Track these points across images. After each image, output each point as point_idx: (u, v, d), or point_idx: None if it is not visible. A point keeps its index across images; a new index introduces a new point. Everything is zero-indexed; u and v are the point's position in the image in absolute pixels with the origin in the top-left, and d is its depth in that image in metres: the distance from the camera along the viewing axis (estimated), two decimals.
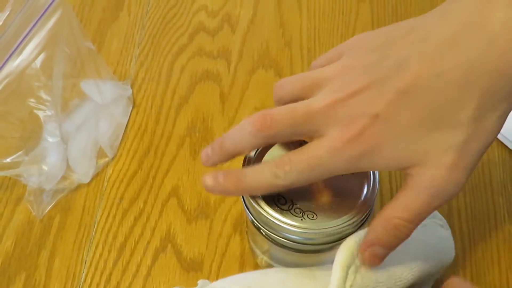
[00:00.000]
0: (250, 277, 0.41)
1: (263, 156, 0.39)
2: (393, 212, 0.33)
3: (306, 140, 0.35)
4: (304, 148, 0.33)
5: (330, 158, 0.32)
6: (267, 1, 0.67)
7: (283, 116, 0.34)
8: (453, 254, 0.46)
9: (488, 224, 0.52)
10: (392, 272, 0.37)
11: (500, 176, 0.54)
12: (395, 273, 0.37)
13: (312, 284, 0.38)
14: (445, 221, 0.47)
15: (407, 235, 0.34)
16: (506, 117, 0.32)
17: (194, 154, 0.56)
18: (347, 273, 0.35)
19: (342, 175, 0.37)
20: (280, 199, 0.37)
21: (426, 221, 0.39)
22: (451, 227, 0.51)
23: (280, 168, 0.33)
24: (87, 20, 0.66)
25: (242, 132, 0.35)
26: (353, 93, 0.32)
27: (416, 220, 0.33)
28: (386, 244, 0.34)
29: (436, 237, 0.45)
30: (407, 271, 0.38)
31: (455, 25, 0.30)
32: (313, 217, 0.37)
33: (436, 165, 0.31)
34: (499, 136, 0.56)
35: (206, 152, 0.38)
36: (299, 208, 0.37)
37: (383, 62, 0.32)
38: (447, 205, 0.52)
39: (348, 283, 0.35)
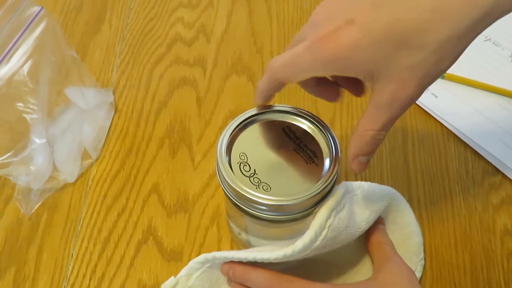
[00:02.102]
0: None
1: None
2: (366, 126, 0.37)
3: None
4: (291, 49, 0.38)
5: (306, 55, 0.36)
6: (239, 13, 0.72)
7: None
8: (399, 195, 0.54)
9: (446, 211, 0.56)
10: (356, 222, 0.46)
11: (456, 166, 0.59)
12: (357, 222, 0.46)
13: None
14: None
15: (382, 139, 0.38)
16: (465, 48, 0.33)
17: (173, 154, 0.60)
18: (330, 215, 0.41)
19: (306, 164, 0.41)
20: (245, 166, 0.41)
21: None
22: None
23: (269, 68, 0.39)
24: (71, 32, 0.69)
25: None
26: (333, 1, 0.36)
27: (385, 128, 0.37)
28: (367, 152, 0.39)
29: (383, 194, 0.51)
30: (364, 222, 0.47)
31: None
32: (267, 188, 0.40)
33: (397, 81, 0.34)
34: (455, 131, 0.60)
35: None
36: (258, 178, 0.41)
37: None
38: (407, 194, 0.56)
39: (328, 222, 0.41)
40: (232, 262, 0.46)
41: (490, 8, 0.31)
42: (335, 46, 0.34)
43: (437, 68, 0.33)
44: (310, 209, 0.41)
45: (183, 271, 0.49)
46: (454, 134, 0.60)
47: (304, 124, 0.43)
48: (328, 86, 0.44)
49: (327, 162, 0.41)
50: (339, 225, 0.42)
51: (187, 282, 0.49)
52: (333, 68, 0.36)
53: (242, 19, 0.71)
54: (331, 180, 0.40)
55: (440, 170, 0.58)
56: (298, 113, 0.44)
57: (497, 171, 0.58)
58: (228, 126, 0.43)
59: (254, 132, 0.43)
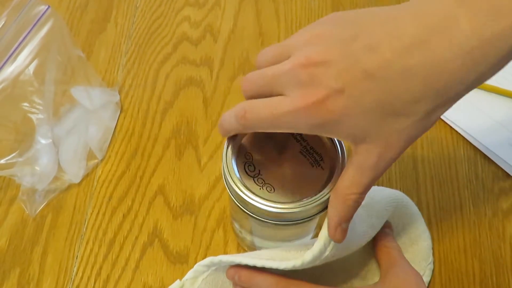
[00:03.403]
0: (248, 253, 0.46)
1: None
2: (348, 190, 0.36)
3: None
4: (270, 100, 0.36)
5: (289, 117, 0.34)
6: (247, 13, 0.71)
7: (256, 77, 0.37)
8: (406, 198, 0.53)
9: (455, 216, 0.55)
10: (363, 229, 0.46)
11: (465, 171, 0.58)
12: (363, 229, 0.46)
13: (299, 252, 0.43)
14: None
15: (360, 203, 0.37)
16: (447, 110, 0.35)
17: (179, 155, 0.59)
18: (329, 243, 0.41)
19: (312, 167, 0.41)
20: (250, 166, 0.41)
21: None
22: None
23: (242, 118, 0.36)
24: (76, 31, 0.69)
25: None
26: (320, 62, 0.33)
27: (366, 190, 0.37)
28: (348, 218, 0.38)
29: (389, 199, 0.50)
30: (371, 229, 0.47)
31: (426, 28, 0.32)
32: (270, 190, 0.40)
33: (383, 144, 0.34)
34: (465, 135, 0.59)
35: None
36: (262, 179, 0.40)
37: (355, 40, 0.34)
38: (417, 198, 0.56)
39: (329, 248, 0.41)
40: (238, 266, 0.45)
41: (474, 82, 0.32)
42: (323, 113, 0.33)
43: (423, 130, 0.34)
44: (316, 215, 0.40)
45: (189, 274, 0.49)
46: (464, 138, 0.60)
47: None
48: None
49: (333, 167, 0.41)
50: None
51: (193, 286, 0.49)
52: (317, 132, 0.35)
53: (249, 19, 0.70)
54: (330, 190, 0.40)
55: (450, 174, 0.58)
56: None
57: (508, 176, 0.57)
58: None
59: (261, 133, 0.42)
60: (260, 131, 0.37)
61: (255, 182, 0.40)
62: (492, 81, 0.61)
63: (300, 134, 0.42)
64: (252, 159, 0.41)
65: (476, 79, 0.32)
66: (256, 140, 0.42)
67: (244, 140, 0.42)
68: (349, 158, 0.37)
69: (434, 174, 0.58)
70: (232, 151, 0.41)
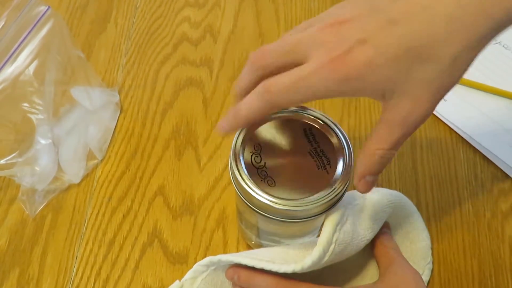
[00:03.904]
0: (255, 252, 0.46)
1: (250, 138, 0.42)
2: (376, 145, 0.36)
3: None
4: (291, 70, 0.34)
5: (314, 78, 0.33)
6: (247, 13, 0.71)
7: (275, 47, 0.36)
8: (405, 198, 0.53)
9: (454, 216, 0.55)
10: (361, 232, 0.45)
11: (464, 172, 0.58)
12: (361, 233, 0.45)
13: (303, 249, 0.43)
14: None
15: (390, 159, 0.37)
16: (477, 57, 0.33)
17: (179, 156, 0.59)
18: (335, 229, 0.41)
19: (317, 169, 0.41)
20: (257, 157, 0.41)
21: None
22: None
23: (266, 92, 0.35)
24: (76, 31, 0.69)
25: (244, 72, 0.38)
26: (343, 21, 0.33)
27: (396, 147, 0.36)
28: (375, 171, 0.37)
29: (387, 201, 0.50)
30: (369, 231, 0.46)
31: None
32: (272, 184, 0.40)
33: (412, 97, 0.33)
34: (464, 136, 0.59)
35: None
36: (265, 171, 0.40)
37: None
38: (416, 199, 0.56)
39: (335, 237, 0.41)
40: (237, 266, 0.45)
41: (503, 19, 0.31)
42: (348, 67, 0.33)
43: (451, 80, 0.33)
44: (319, 215, 0.41)
45: (188, 274, 0.49)
46: (463, 139, 0.60)
47: (328, 132, 0.42)
48: None
49: (339, 170, 0.40)
50: (345, 238, 0.42)
51: (192, 286, 0.49)
52: (345, 90, 0.34)
53: (249, 19, 0.70)
54: (341, 191, 0.40)
55: (449, 175, 0.58)
56: (326, 120, 0.43)
57: (507, 177, 0.57)
58: None
59: (274, 127, 0.42)
60: (286, 106, 0.36)
61: (258, 173, 0.40)
62: (492, 82, 0.61)
63: (313, 135, 0.42)
64: (261, 151, 0.41)
65: (504, 13, 0.31)
66: (268, 134, 0.42)
67: (256, 132, 0.42)
68: (380, 116, 0.36)
69: (434, 175, 0.58)
70: (242, 139, 0.41)
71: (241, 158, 0.41)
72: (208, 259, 0.47)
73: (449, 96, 0.60)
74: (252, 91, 0.36)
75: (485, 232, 0.54)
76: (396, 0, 0.32)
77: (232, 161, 0.41)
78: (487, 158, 0.58)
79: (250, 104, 0.36)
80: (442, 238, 0.54)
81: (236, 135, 0.41)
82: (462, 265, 0.53)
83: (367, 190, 0.38)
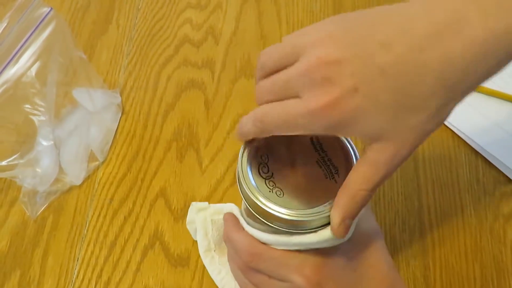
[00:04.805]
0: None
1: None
2: (359, 185, 0.36)
3: None
4: (284, 103, 0.35)
5: (306, 119, 0.34)
6: (248, 15, 0.71)
7: (268, 84, 0.37)
8: None
9: (456, 219, 0.55)
10: None
11: (466, 175, 0.58)
12: None
13: None
14: None
15: (368, 201, 0.37)
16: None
17: (180, 158, 0.59)
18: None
19: (325, 179, 0.40)
20: (264, 168, 0.41)
21: None
22: (422, 223, 0.55)
23: (259, 121, 0.37)
24: (78, 32, 0.69)
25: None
26: (334, 62, 0.33)
27: (376, 188, 0.36)
28: (353, 214, 0.37)
29: None
30: None
31: (438, 24, 0.32)
32: (280, 194, 0.39)
33: (398, 141, 0.34)
34: (466, 139, 0.59)
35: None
36: (273, 182, 0.40)
37: (368, 38, 0.33)
38: (418, 202, 0.56)
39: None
40: (231, 214, 0.45)
41: (485, 76, 0.33)
42: (338, 114, 0.33)
43: (435, 126, 0.34)
44: (327, 225, 0.40)
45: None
46: (465, 142, 0.60)
47: (334, 140, 0.42)
48: None
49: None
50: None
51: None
52: (333, 132, 0.35)
53: (251, 21, 0.70)
54: None
55: (451, 178, 0.58)
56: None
57: (509, 180, 0.57)
58: None
59: (281, 137, 0.42)
60: (277, 134, 0.37)
61: (266, 184, 0.40)
62: (494, 86, 0.61)
63: (320, 144, 0.42)
64: (268, 161, 0.41)
65: (486, 71, 0.32)
66: (275, 143, 0.42)
67: (263, 141, 0.42)
68: (361, 156, 0.36)
69: (436, 178, 0.58)
70: (249, 150, 0.41)
71: (248, 169, 0.40)
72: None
73: None
74: (251, 113, 0.38)
75: (487, 235, 0.54)
76: (388, 50, 0.33)
77: (239, 172, 0.40)
78: (489, 162, 0.58)
79: (246, 125, 0.38)
80: (444, 241, 0.54)
81: (242, 146, 0.41)
82: (464, 269, 0.53)
83: (346, 234, 0.38)
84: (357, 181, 0.36)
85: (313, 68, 0.34)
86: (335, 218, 0.37)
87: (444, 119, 0.35)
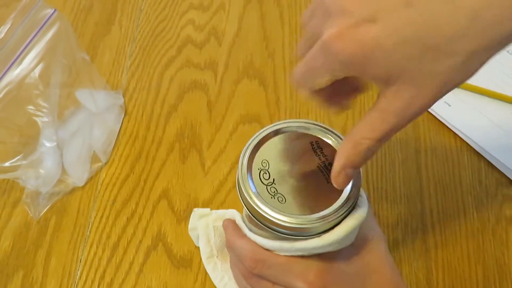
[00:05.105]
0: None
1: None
2: (364, 133, 0.33)
3: None
4: (310, 50, 0.34)
5: (322, 57, 0.32)
6: (251, 16, 0.71)
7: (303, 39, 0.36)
8: None
9: (458, 222, 0.55)
10: None
11: (469, 177, 0.58)
12: None
13: None
14: None
15: (373, 154, 0.34)
16: (489, 60, 0.31)
17: (183, 159, 0.59)
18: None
19: (327, 184, 0.40)
20: (265, 174, 0.40)
21: None
22: (424, 225, 0.55)
23: (294, 75, 0.35)
24: (81, 33, 0.69)
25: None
26: None
27: (384, 138, 0.33)
28: (357, 164, 0.35)
29: None
30: None
31: None
32: (282, 200, 0.39)
33: (416, 86, 0.31)
34: (469, 141, 0.59)
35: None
36: (275, 188, 0.40)
37: None
38: (420, 204, 0.56)
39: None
40: (231, 221, 0.44)
41: None
42: (351, 45, 0.30)
43: (461, 77, 0.31)
44: (331, 229, 0.40)
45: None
46: (468, 144, 0.60)
47: (334, 143, 0.42)
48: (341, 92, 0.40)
49: (348, 187, 0.40)
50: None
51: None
52: (348, 70, 0.32)
53: (254, 22, 0.70)
54: (353, 203, 0.39)
55: (453, 180, 0.58)
56: (330, 131, 0.42)
57: (511, 182, 0.57)
58: (258, 133, 0.42)
59: (281, 142, 0.42)
60: (312, 89, 0.35)
61: (267, 190, 0.40)
62: (496, 88, 0.61)
63: (320, 148, 0.42)
64: (269, 166, 0.41)
65: None
66: (276, 148, 0.42)
67: (263, 147, 0.42)
68: (374, 103, 0.33)
69: (438, 180, 0.58)
70: (249, 156, 0.41)
71: (249, 176, 0.40)
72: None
73: (454, 101, 0.61)
74: (300, 63, 0.36)
75: (490, 238, 0.54)
76: None
77: (239, 179, 0.40)
78: (492, 164, 0.58)
79: (299, 71, 0.36)
80: (446, 244, 0.54)
81: (242, 152, 0.41)
82: (467, 271, 0.53)
83: (345, 185, 0.36)
84: (362, 129, 0.33)
85: (330, 2, 0.31)
86: (335, 166, 0.35)
87: (473, 72, 0.31)
